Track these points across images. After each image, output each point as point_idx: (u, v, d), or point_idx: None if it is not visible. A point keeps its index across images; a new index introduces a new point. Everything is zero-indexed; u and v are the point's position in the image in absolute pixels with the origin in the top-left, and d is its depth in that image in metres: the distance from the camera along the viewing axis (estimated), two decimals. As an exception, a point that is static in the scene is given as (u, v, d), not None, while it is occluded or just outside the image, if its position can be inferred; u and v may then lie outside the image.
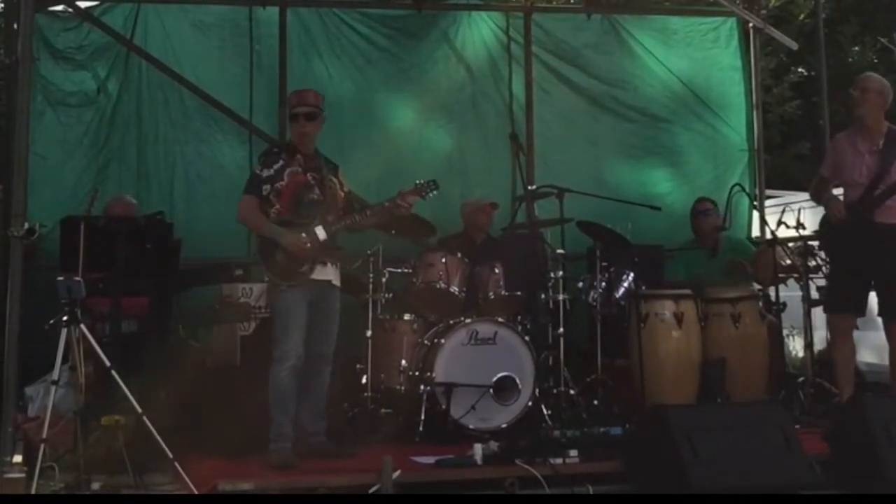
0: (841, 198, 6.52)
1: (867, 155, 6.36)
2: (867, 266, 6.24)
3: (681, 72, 9.24)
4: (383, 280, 6.77)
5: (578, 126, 9.15)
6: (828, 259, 6.74)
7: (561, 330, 6.81)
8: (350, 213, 5.84)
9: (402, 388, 6.56)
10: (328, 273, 5.71)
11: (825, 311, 6.74)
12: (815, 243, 6.87)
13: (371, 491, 5.02)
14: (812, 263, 6.95)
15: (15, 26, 7.39)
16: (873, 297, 6.49)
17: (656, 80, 9.23)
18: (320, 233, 5.63)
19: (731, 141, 9.33)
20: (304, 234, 5.58)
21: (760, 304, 6.91)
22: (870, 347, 7.65)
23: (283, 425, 5.50)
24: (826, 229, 6.54)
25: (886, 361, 6.48)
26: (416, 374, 6.47)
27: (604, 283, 7.12)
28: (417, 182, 5.91)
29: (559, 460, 5.33)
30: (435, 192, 5.95)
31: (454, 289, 6.82)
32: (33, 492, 4.95)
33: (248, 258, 7.34)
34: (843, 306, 6.44)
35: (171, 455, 5.11)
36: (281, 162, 5.68)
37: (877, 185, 6.26)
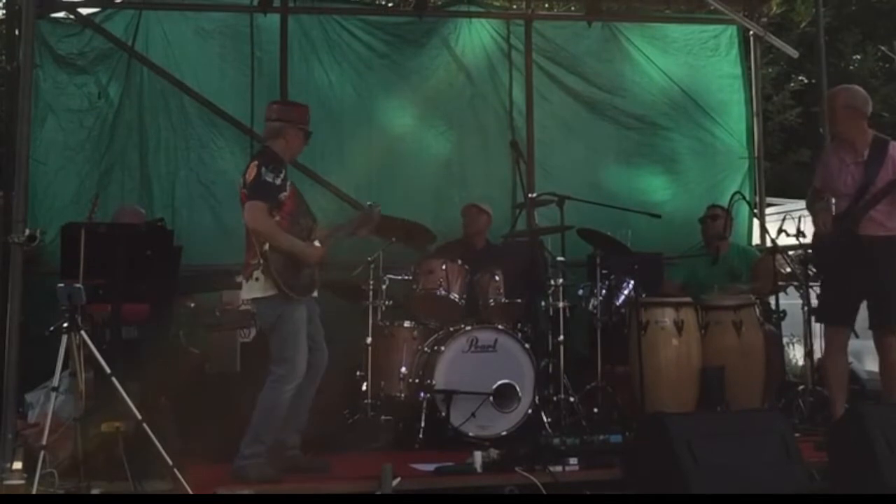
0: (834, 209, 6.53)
1: (852, 165, 6.32)
2: (856, 278, 6.22)
3: (681, 79, 9.24)
4: (383, 287, 6.77)
5: (578, 133, 9.16)
6: (818, 271, 6.73)
7: (561, 337, 6.81)
8: (333, 231, 5.80)
9: (402, 395, 6.57)
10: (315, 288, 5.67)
11: (817, 321, 6.75)
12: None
13: (371, 499, 5.03)
14: (812, 272, 6.94)
15: (17, 32, 7.42)
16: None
17: (656, 88, 9.24)
18: (320, 248, 5.57)
19: (730, 148, 9.33)
20: (319, 247, 5.51)
21: (757, 311, 6.91)
22: (871, 355, 7.64)
23: (267, 444, 5.34)
24: (817, 241, 6.55)
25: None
26: (416, 381, 6.48)
27: (604, 291, 7.12)
28: (369, 203, 5.88)
29: (559, 468, 5.34)
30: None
31: (454, 296, 6.83)
32: (33, 498, 4.96)
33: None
34: (834, 318, 6.43)
35: (170, 462, 5.10)
36: (283, 172, 5.49)
37: (862, 196, 6.22)
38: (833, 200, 6.55)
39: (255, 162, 5.49)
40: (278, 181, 5.42)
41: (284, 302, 5.36)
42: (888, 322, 6.22)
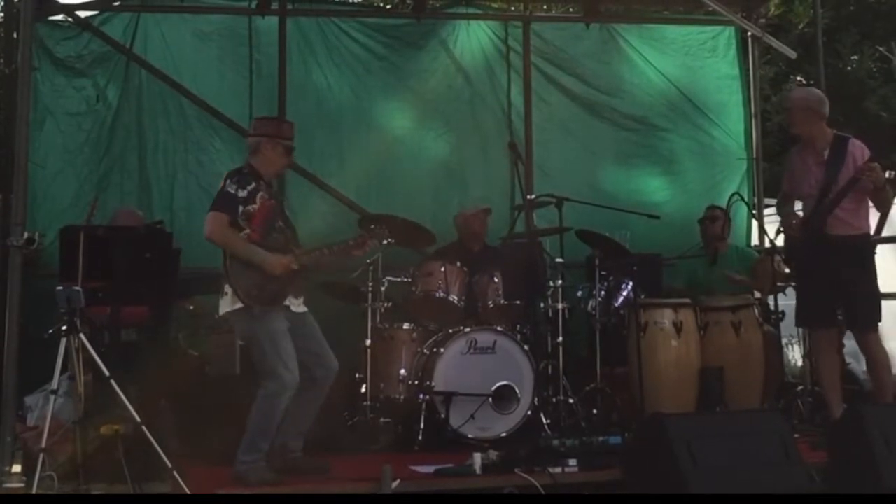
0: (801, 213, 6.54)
1: (814, 167, 6.34)
2: (828, 279, 6.21)
3: (679, 81, 9.24)
4: (382, 289, 6.77)
5: (576, 135, 9.15)
6: (792, 274, 6.74)
7: (560, 339, 6.82)
8: (317, 249, 5.62)
9: (402, 397, 6.56)
10: (297, 305, 5.51)
11: (797, 325, 6.75)
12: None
13: (371, 501, 5.04)
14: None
15: (15, 35, 7.43)
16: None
17: (654, 89, 9.23)
18: (285, 258, 5.41)
19: (729, 149, 9.33)
20: (284, 258, 5.36)
21: (756, 311, 6.92)
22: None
23: (264, 451, 5.29)
24: (787, 245, 6.56)
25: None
26: (416, 383, 6.48)
27: (603, 292, 7.13)
28: (373, 227, 5.81)
29: (558, 469, 5.34)
30: (387, 242, 5.81)
31: (453, 298, 6.83)
32: (32, 501, 4.97)
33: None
34: (813, 321, 6.43)
35: (169, 464, 5.11)
36: (253, 184, 5.42)
37: (826, 196, 6.22)
38: (801, 204, 6.57)
39: (226, 174, 5.51)
40: (242, 193, 5.38)
41: (250, 314, 5.30)
42: (861, 322, 6.22)
